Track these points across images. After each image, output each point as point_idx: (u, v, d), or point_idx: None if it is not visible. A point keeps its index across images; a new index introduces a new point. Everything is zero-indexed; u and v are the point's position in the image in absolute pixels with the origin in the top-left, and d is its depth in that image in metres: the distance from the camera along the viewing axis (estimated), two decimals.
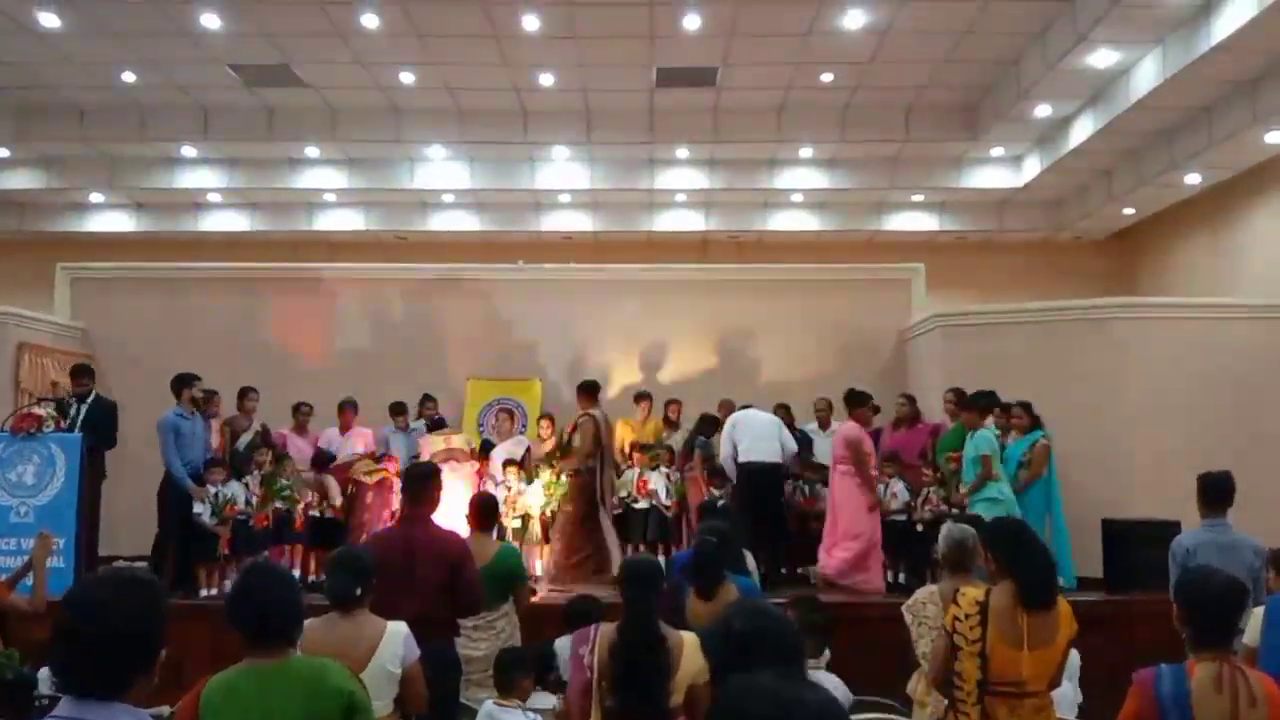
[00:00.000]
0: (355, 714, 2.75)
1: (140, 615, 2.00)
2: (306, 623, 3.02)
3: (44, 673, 4.89)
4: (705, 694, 3.22)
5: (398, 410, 9.28)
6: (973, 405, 7.89)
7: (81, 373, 8.30)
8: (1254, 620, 3.94)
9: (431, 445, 8.55)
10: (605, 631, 3.47)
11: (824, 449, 9.00)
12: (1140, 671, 3.01)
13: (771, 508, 8.11)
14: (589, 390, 8.53)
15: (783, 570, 8.37)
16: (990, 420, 7.82)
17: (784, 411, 9.05)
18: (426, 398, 9.70)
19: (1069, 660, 4.80)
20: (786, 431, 8.42)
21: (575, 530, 8.17)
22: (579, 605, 5.09)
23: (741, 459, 8.20)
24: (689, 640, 3.38)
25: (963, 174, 13.87)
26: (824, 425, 9.26)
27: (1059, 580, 4.68)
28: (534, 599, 5.75)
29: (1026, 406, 8.01)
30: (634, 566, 3.74)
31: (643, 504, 8.46)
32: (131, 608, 2.00)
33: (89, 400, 8.07)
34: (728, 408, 8.99)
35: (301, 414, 8.94)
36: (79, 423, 7.92)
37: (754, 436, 8.26)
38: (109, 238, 15.13)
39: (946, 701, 3.67)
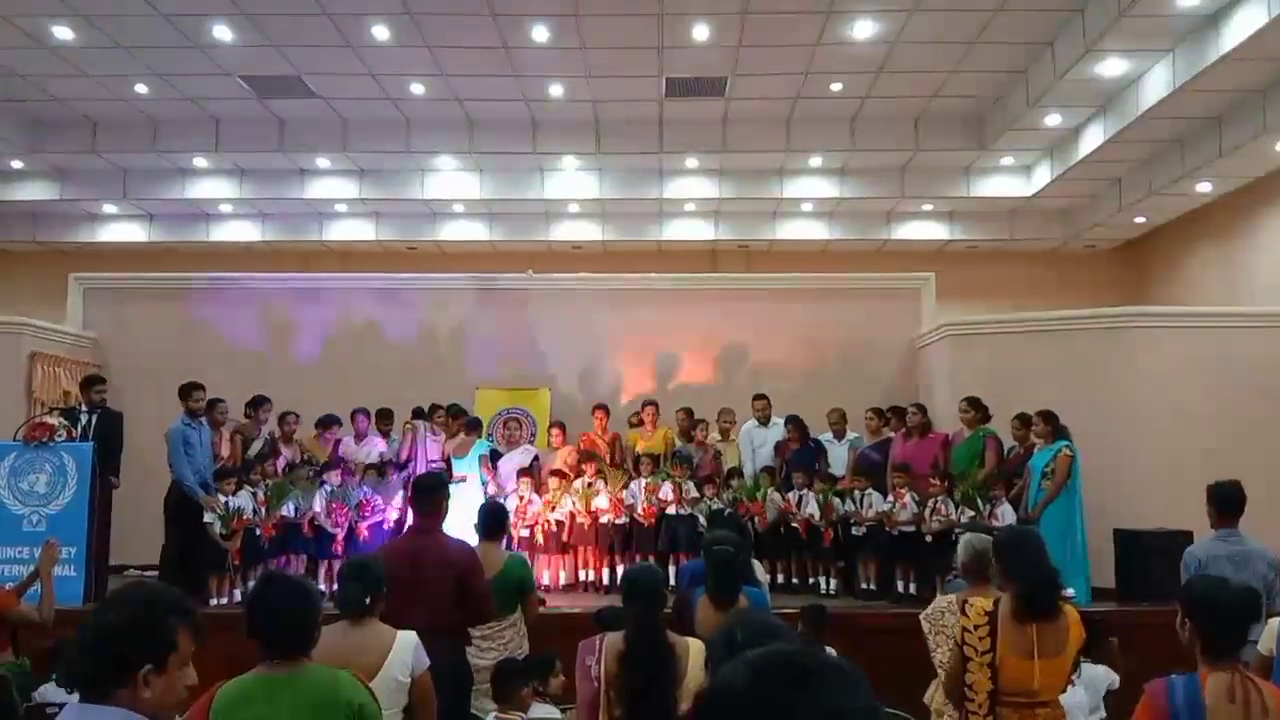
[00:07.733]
0: None
1: (131, 614, 2.03)
2: None
3: (48, 687, 4.90)
4: None
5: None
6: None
7: (96, 382, 8.32)
8: (1269, 629, 3.90)
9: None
10: (612, 641, 3.45)
11: (839, 459, 8.99)
12: (1152, 682, 2.98)
13: None
14: None
15: (794, 580, 8.38)
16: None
17: (797, 423, 9.05)
18: (438, 407, 9.67)
19: (1100, 678, 4.77)
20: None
21: None
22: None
23: None
24: (695, 646, 3.37)
25: (973, 183, 13.83)
26: (839, 435, 9.19)
27: (1067, 590, 4.64)
28: (542, 609, 5.73)
29: (1047, 416, 7.80)
30: (634, 577, 3.72)
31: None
32: (128, 606, 2.04)
33: (98, 411, 8.10)
34: (728, 417, 9.18)
35: (288, 424, 8.86)
36: (90, 433, 7.94)
37: None
38: (121, 248, 15.21)
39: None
